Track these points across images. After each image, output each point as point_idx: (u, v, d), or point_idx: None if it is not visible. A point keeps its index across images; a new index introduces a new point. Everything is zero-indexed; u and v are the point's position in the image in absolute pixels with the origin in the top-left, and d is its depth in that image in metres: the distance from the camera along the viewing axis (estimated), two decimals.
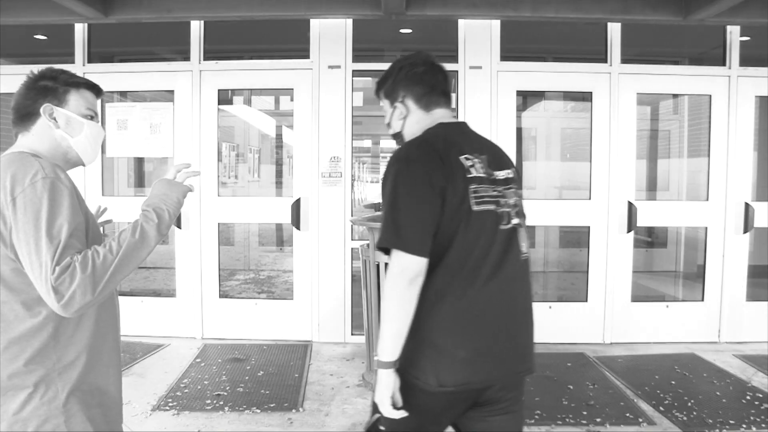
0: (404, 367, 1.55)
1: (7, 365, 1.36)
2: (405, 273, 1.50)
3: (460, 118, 4.57)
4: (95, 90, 1.60)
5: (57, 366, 1.39)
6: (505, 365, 1.59)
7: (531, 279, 1.72)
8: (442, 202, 1.51)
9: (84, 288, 1.28)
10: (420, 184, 1.52)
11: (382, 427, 1.58)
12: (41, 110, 1.50)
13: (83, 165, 1.60)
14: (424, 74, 1.73)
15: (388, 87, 1.77)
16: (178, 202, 1.54)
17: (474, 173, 1.57)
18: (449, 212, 1.52)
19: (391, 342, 1.52)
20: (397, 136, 1.77)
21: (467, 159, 1.58)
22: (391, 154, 1.65)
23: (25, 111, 1.51)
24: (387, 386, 1.53)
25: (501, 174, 1.65)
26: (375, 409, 1.60)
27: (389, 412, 1.54)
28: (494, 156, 1.67)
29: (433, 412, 1.59)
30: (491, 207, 1.57)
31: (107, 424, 1.50)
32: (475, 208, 1.54)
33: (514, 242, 1.62)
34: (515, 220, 1.63)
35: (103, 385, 1.50)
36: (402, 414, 1.54)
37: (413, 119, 1.72)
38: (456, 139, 1.64)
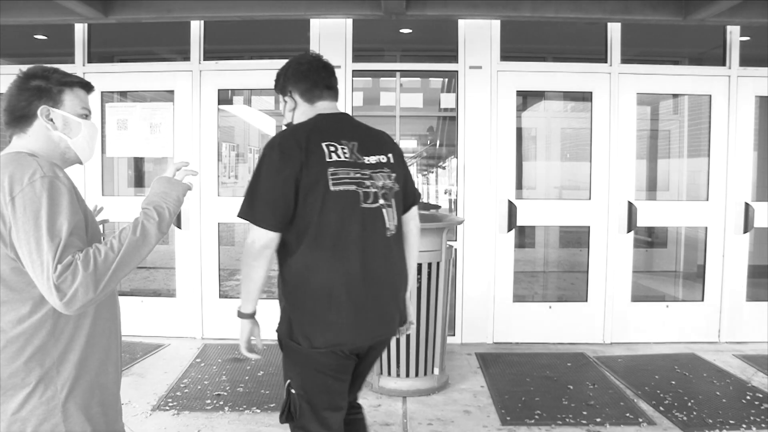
0: (286, 333, 1.86)
1: (7, 364, 1.36)
2: (255, 243, 1.79)
3: (460, 118, 4.59)
4: (88, 87, 1.60)
5: (56, 365, 1.39)
6: (368, 331, 1.85)
7: (400, 253, 1.94)
8: (296, 183, 1.75)
9: (86, 286, 1.29)
10: (276, 167, 1.77)
11: (293, 390, 1.88)
12: (38, 112, 1.49)
13: (81, 163, 1.61)
14: (308, 71, 1.98)
15: (279, 83, 2.03)
16: (178, 200, 1.54)
17: (335, 158, 1.80)
18: (304, 192, 1.75)
19: (245, 299, 1.89)
20: (289, 125, 1.98)
21: (330, 145, 1.81)
22: None
23: (20, 113, 1.49)
24: (244, 332, 1.92)
25: (372, 159, 1.87)
26: (286, 375, 1.92)
27: (245, 353, 1.94)
28: (368, 143, 1.90)
29: (318, 369, 1.84)
30: (352, 188, 1.79)
31: (107, 423, 1.50)
32: (333, 188, 1.76)
33: (378, 220, 1.83)
34: (381, 201, 1.84)
35: (103, 384, 1.50)
36: (257, 357, 1.96)
37: (300, 111, 1.97)
38: (325, 128, 1.87)
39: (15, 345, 1.36)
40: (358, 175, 1.82)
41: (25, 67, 1.53)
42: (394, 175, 1.92)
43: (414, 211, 2.07)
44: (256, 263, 1.81)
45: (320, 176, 1.76)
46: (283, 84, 2.02)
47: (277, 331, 1.92)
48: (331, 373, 1.85)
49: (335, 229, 1.76)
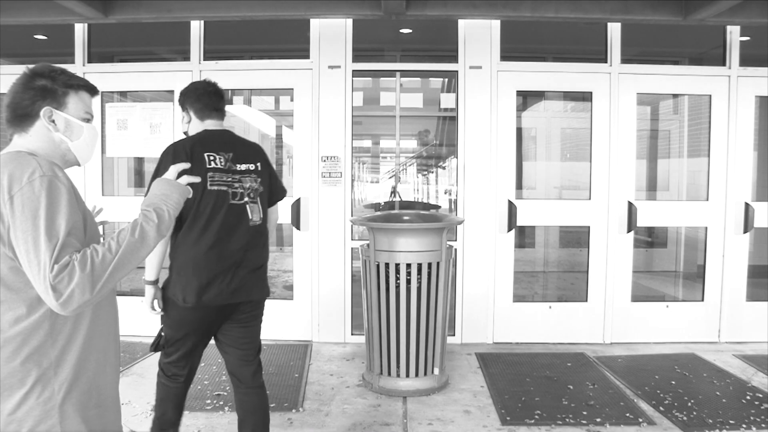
0: (169, 289, 2.40)
1: (4, 364, 1.35)
2: None
3: (460, 118, 4.59)
4: (93, 91, 1.59)
5: (54, 366, 1.39)
6: (224, 295, 2.38)
7: (262, 239, 2.51)
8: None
9: (83, 286, 1.28)
10: (164, 168, 2.18)
11: (163, 333, 2.46)
12: (41, 113, 1.48)
13: (79, 165, 1.60)
14: (201, 95, 2.51)
15: (180, 101, 2.56)
16: (178, 202, 1.54)
17: (213, 165, 2.38)
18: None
19: (149, 268, 2.40)
20: (186, 134, 2.55)
21: (210, 155, 2.39)
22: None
23: (22, 111, 1.48)
24: (149, 296, 2.43)
25: (242, 167, 2.45)
26: (162, 320, 2.47)
27: (150, 312, 2.46)
28: (241, 154, 2.48)
29: (189, 320, 2.42)
30: (224, 188, 2.38)
31: (104, 425, 1.49)
32: (209, 187, 2.36)
33: (244, 214, 2.42)
34: (246, 199, 2.43)
35: (101, 386, 1.50)
36: (160, 312, 2.45)
37: (193, 125, 2.53)
38: (208, 141, 2.44)
39: (12, 345, 1.35)
40: (230, 179, 2.40)
41: (31, 65, 1.52)
42: (259, 179, 2.49)
43: (276, 206, 2.68)
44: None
45: (202, 178, 2.33)
46: (183, 102, 2.56)
47: (162, 287, 2.44)
48: (193, 324, 2.43)
49: (207, 218, 2.34)
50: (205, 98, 2.50)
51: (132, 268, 1.40)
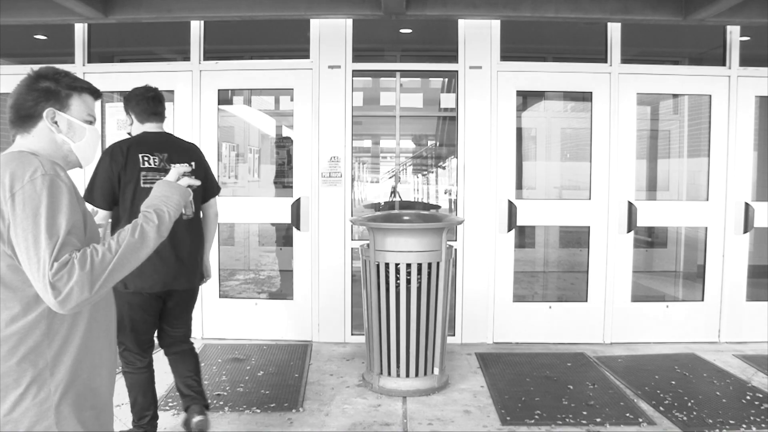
0: None
1: (0, 363, 1.35)
2: (97, 216, 2.51)
3: (460, 118, 4.59)
4: (96, 94, 1.60)
5: (50, 366, 1.38)
6: (161, 282, 2.69)
7: (195, 231, 2.84)
8: (118, 179, 2.65)
9: (81, 285, 1.28)
10: (105, 167, 2.66)
11: None
12: (44, 114, 1.49)
13: (81, 167, 1.61)
14: (142, 100, 2.80)
15: (125, 105, 2.86)
16: (178, 204, 1.56)
17: (146, 165, 2.68)
18: (123, 186, 2.66)
19: None
20: (130, 135, 2.84)
21: (144, 156, 2.69)
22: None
23: (25, 112, 1.49)
24: None
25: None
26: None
27: None
28: (176, 155, 2.77)
29: (131, 306, 2.70)
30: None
31: (99, 426, 1.49)
32: (142, 185, 2.65)
33: None
34: None
35: (96, 387, 1.50)
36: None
37: (135, 127, 2.84)
38: (144, 142, 2.74)
39: (8, 344, 1.35)
40: (162, 177, 2.76)
41: (36, 67, 1.53)
42: (194, 177, 2.81)
43: (213, 200, 2.97)
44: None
45: (134, 176, 2.65)
46: (126, 106, 2.84)
47: None
48: (139, 308, 2.73)
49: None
50: (144, 103, 2.80)
51: (131, 268, 1.41)
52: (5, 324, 1.35)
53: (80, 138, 1.54)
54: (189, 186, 1.65)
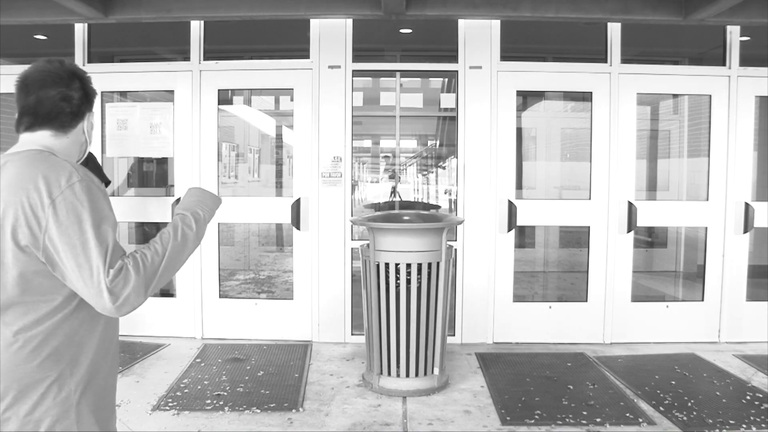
0: None
1: (23, 364, 1.34)
2: None
3: (460, 118, 4.59)
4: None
5: (69, 366, 1.38)
6: None
7: None
8: None
9: (137, 289, 1.30)
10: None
11: None
12: (86, 116, 1.49)
13: None
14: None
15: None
16: (212, 209, 1.57)
17: None
18: None
19: None
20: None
21: None
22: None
23: (71, 109, 1.45)
24: None
25: None
26: None
27: None
28: None
29: None
30: None
31: (109, 426, 1.50)
32: None
33: None
34: None
35: (109, 387, 1.51)
36: None
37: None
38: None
39: (30, 346, 1.34)
40: None
41: (69, 64, 1.49)
42: None
43: None
44: None
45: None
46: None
47: None
48: None
49: None
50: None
51: (176, 270, 1.43)
52: (29, 327, 1.35)
53: (91, 139, 1.56)
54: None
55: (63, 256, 1.30)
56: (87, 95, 1.49)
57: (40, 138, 1.44)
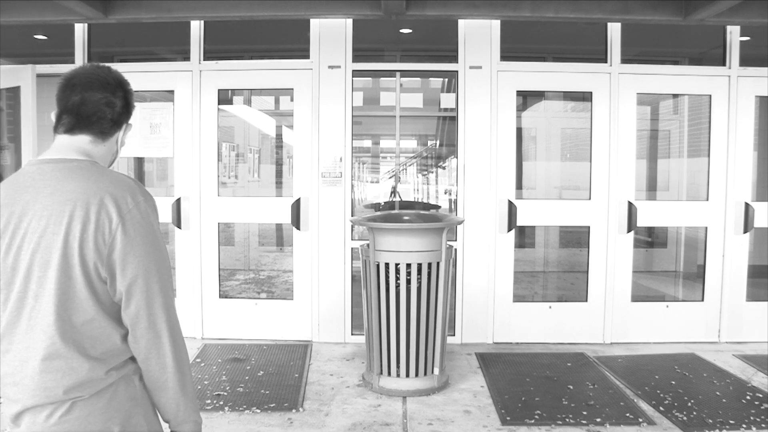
0: None
1: (90, 373, 1.30)
2: None
3: (460, 118, 4.59)
4: None
5: (128, 363, 1.37)
6: None
7: None
8: None
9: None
10: None
11: None
12: (123, 127, 1.48)
13: None
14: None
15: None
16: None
17: None
18: None
19: None
20: None
21: None
22: None
23: (103, 115, 1.39)
24: None
25: None
26: None
27: None
28: None
29: None
30: None
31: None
32: None
33: None
34: None
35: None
36: None
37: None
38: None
39: (100, 360, 1.32)
40: None
41: (107, 67, 1.47)
42: None
43: None
44: None
45: None
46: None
47: None
48: None
49: None
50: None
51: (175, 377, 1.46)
52: (99, 341, 1.31)
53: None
54: None
55: (125, 273, 1.29)
56: (128, 105, 1.47)
57: (80, 143, 1.38)
